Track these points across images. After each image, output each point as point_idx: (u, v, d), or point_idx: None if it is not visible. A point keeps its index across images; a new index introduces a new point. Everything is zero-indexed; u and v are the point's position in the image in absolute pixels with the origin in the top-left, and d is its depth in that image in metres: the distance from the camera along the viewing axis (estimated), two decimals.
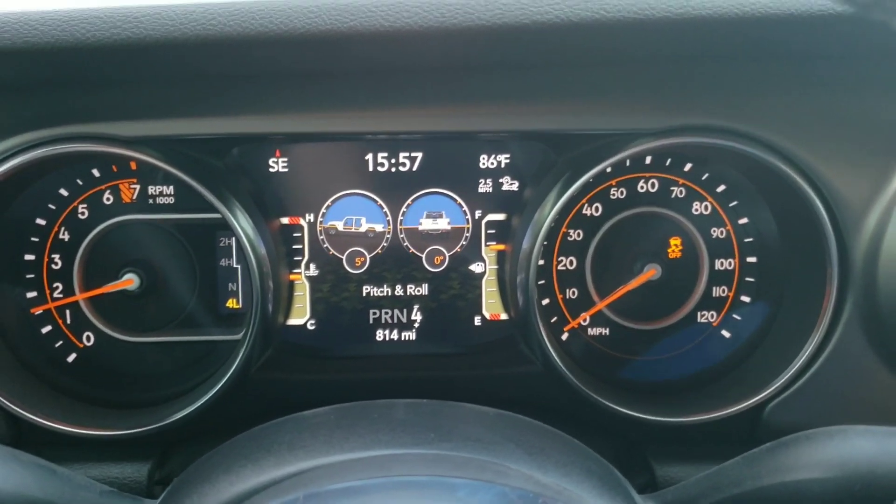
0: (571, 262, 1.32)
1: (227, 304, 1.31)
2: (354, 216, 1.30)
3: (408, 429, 0.85)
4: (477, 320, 1.33)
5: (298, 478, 0.75)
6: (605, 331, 1.34)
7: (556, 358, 1.21)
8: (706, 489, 0.90)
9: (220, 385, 1.19)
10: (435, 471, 0.73)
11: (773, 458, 0.87)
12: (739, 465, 0.90)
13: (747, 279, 1.32)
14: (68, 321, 1.30)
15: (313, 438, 0.84)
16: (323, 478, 0.72)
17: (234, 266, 1.30)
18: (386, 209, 1.30)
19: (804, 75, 1.16)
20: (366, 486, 0.70)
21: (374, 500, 0.65)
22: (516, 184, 1.29)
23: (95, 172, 1.26)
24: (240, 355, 1.20)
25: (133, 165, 1.26)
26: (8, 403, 1.17)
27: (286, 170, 1.27)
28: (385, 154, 1.28)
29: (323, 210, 1.29)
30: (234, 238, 1.28)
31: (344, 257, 1.31)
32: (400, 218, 1.30)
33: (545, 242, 1.27)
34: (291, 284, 1.30)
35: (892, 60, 1.06)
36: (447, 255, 1.31)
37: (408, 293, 1.32)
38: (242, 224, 1.18)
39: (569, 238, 1.32)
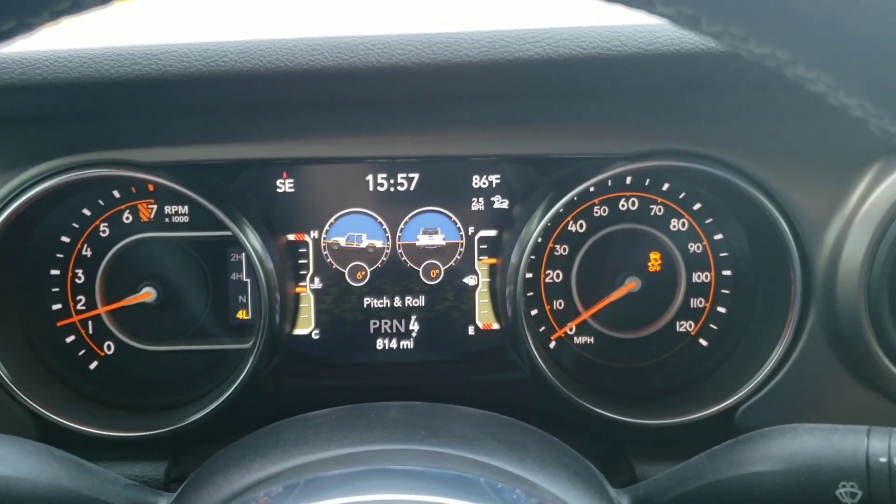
0: (558, 276, 1.41)
1: (238, 316, 1.41)
2: (356, 233, 1.40)
3: (400, 427, 0.95)
4: (471, 330, 1.42)
5: (301, 468, 0.84)
6: (591, 339, 1.43)
7: (542, 364, 1.30)
8: (673, 483, 0.99)
9: (231, 390, 1.28)
10: (418, 463, 0.83)
11: (731, 453, 0.96)
12: (702, 460, 0.99)
13: (723, 291, 1.41)
14: (90, 331, 1.39)
15: (316, 435, 0.94)
16: (322, 468, 0.81)
17: (244, 280, 1.40)
18: (385, 226, 1.39)
19: (766, 103, 1.25)
20: (356, 474, 0.80)
21: (364, 486, 0.75)
22: (507, 202, 1.38)
23: (116, 194, 1.36)
24: (249, 362, 1.29)
25: (151, 187, 1.36)
26: (36, 407, 1.26)
27: (292, 190, 1.37)
28: (384, 175, 1.38)
29: (326, 227, 1.39)
30: (243, 254, 1.38)
31: (346, 271, 1.40)
32: (398, 234, 1.40)
33: (533, 256, 1.36)
34: (297, 297, 1.39)
35: None
36: (442, 268, 1.41)
37: (406, 304, 1.41)
38: (251, 241, 1.27)
39: (555, 253, 1.41)
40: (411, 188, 1.38)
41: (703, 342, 1.42)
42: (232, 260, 1.39)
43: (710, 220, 1.39)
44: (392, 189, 1.38)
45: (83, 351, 1.40)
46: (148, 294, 1.36)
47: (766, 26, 0.52)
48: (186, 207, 1.37)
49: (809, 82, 0.57)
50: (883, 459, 0.86)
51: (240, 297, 1.40)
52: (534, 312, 1.42)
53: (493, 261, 1.40)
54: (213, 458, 1.01)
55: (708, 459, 0.98)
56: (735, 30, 0.53)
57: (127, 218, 1.37)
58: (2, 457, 0.90)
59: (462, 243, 1.40)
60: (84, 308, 1.38)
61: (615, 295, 1.38)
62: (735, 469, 0.93)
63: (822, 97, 0.58)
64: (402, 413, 1.00)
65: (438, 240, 1.40)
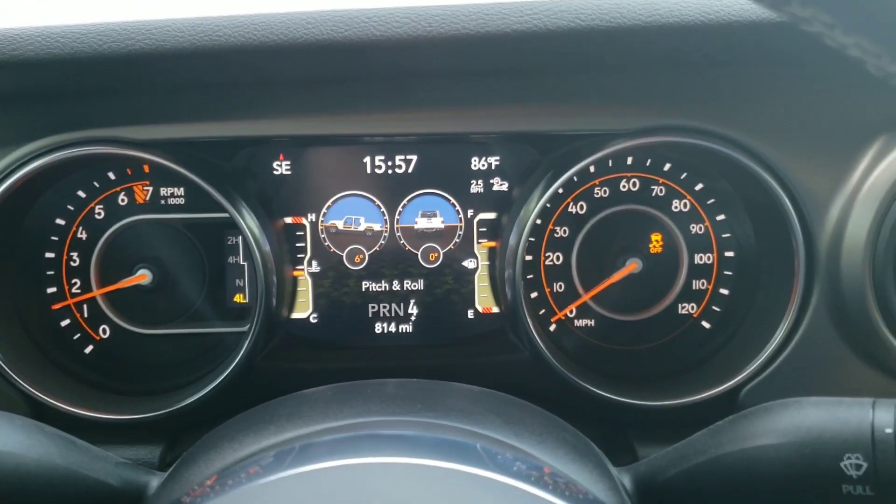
0: (558, 258, 1.40)
1: (235, 299, 1.39)
2: (354, 216, 1.38)
3: (397, 401, 0.93)
4: (470, 313, 1.40)
5: (293, 440, 0.83)
6: (591, 322, 1.41)
7: (542, 346, 1.28)
8: (675, 459, 0.97)
9: (226, 373, 1.27)
10: (412, 431, 0.82)
11: (734, 428, 0.94)
12: (705, 436, 0.97)
13: (725, 272, 1.39)
14: (86, 315, 1.38)
15: (311, 410, 0.92)
16: (313, 439, 0.80)
17: (241, 263, 1.38)
18: (383, 209, 1.38)
19: (770, 79, 1.23)
20: (350, 439, 0.78)
21: (359, 452, 0.74)
22: (506, 184, 1.37)
23: (111, 175, 1.35)
24: (245, 346, 1.28)
25: (146, 168, 1.35)
26: (32, 390, 1.25)
27: (289, 172, 1.36)
28: (382, 157, 1.36)
29: (324, 210, 1.37)
30: (240, 237, 1.37)
31: (344, 254, 1.39)
32: (396, 217, 1.38)
33: (532, 239, 1.35)
34: (295, 280, 1.38)
35: (843, 66, 1.13)
36: (441, 252, 1.39)
37: (404, 288, 1.40)
38: (248, 223, 1.26)
39: (555, 235, 1.39)
40: (409, 170, 1.37)
41: (706, 324, 1.40)
42: (229, 243, 1.38)
43: (712, 200, 1.37)
44: (390, 171, 1.37)
45: (78, 335, 1.39)
46: (143, 276, 1.35)
47: None
48: (182, 189, 1.36)
49: (805, 22, 0.56)
50: (889, 430, 0.84)
51: (237, 281, 1.39)
52: (534, 295, 1.40)
53: (492, 244, 1.38)
54: (205, 436, 1.00)
55: (710, 435, 0.96)
56: None
57: (122, 200, 1.36)
58: None
59: (461, 226, 1.38)
60: (79, 291, 1.37)
61: (616, 276, 1.37)
62: (738, 443, 0.91)
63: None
64: (399, 388, 0.99)
65: (437, 223, 1.38)
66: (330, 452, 0.74)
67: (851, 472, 0.84)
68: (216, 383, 1.27)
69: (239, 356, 1.28)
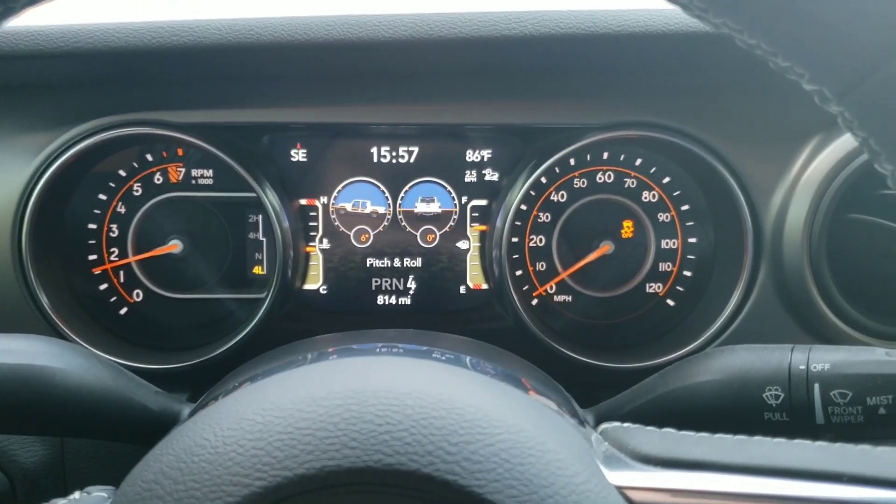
0: (541, 240, 1.57)
1: (254, 271, 1.57)
2: (361, 199, 1.55)
3: (396, 339, 1.11)
4: (462, 289, 1.56)
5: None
6: (569, 298, 1.58)
7: (524, 314, 1.46)
8: (630, 398, 1.14)
9: (245, 331, 1.44)
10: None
11: (678, 370, 1.11)
12: (655, 379, 1.14)
13: (689, 256, 1.56)
14: (122, 280, 1.56)
15: (324, 344, 1.10)
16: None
17: (261, 239, 1.56)
18: (387, 194, 1.55)
19: (723, 83, 1.42)
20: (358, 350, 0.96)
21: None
22: (497, 175, 1.54)
23: (149, 157, 1.53)
24: (262, 309, 1.45)
25: (180, 151, 1.53)
26: (78, 341, 1.42)
27: (305, 159, 1.53)
28: (387, 147, 1.54)
29: (335, 193, 1.54)
30: (260, 215, 1.54)
31: (351, 234, 1.56)
32: (399, 202, 1.55)
33: (518, 223, 1.52)
34: (307, 255, 1.55)
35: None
36: (438, 233, 1.56)
37: (404, 265, 1.57)
38: (271, 201, 1.44)
39: (539, 220, 1.57)
40: (411, 160, 1.54)
41: (670, 302, 1.57)
42: (250, 220, 1.56)
43: (677, 192, 1.55)
44: (394, 161, 1.54)
45: (114, 297, 1.56)
46: (175, 246, 1.53)
47: None
48: (211, 171, 1.54)
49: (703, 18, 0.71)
50: (802, 367, 1.01)
51: (256, 255, 1.56)
52: (518, 273, 1.57)
53: (483, 227, 1.55)
54: (230, 373, 1.16)
55: (659, 377, 1.13)
56: None
57: (158, 179, 1.54)
58: (58, 353, 1.05)
59: (456, 211, 1.55)
60: (116, 258, 1.55)
61: (590, 257, 1.54)
62: (681, 382, 1.08)
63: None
64: (397, 334, 1.17)
65: (435, 207, 1.55)
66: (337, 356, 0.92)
67: (771, 401, 1.01)
68: (236, 340, 1.44)
69: (256, 318, 1.45)
